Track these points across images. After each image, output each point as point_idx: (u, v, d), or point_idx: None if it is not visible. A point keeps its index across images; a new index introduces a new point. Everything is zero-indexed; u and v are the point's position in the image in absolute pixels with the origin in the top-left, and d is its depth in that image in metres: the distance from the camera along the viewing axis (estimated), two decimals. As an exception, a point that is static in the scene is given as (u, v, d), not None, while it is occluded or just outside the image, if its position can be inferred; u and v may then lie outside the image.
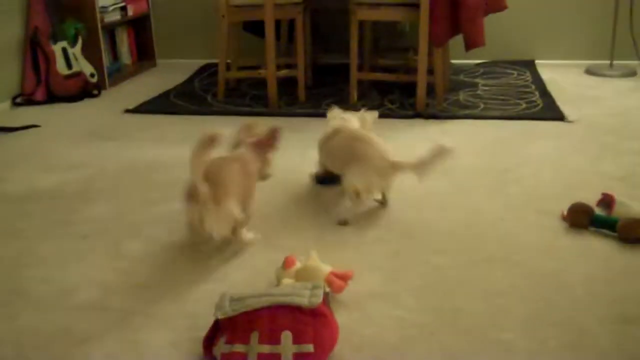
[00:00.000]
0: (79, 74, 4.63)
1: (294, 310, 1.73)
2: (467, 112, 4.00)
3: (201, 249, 2.39)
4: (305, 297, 1.76)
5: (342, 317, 1.90)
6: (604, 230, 2.43)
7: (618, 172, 3.00)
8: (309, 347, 1.68)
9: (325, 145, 2.81)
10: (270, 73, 4.19)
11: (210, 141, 2.21)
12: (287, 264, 2.09)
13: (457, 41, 4.13)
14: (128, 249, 2.42)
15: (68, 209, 2.78)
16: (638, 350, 1.79)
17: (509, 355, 1.76)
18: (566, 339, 1.83)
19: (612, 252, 2.30)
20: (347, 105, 4.16)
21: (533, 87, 4.54)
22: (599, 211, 2.52)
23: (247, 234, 2.40)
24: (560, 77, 4.85)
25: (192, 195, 2.24)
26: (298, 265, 2.10)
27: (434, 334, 1.86)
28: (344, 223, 2.56)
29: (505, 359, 1.75)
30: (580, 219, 2.46)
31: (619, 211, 2.47)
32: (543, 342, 1.82)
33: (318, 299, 1.74)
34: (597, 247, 2.34)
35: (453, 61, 5.09)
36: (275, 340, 1.69)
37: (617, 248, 2.33)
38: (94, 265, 2.31)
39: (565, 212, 2.53)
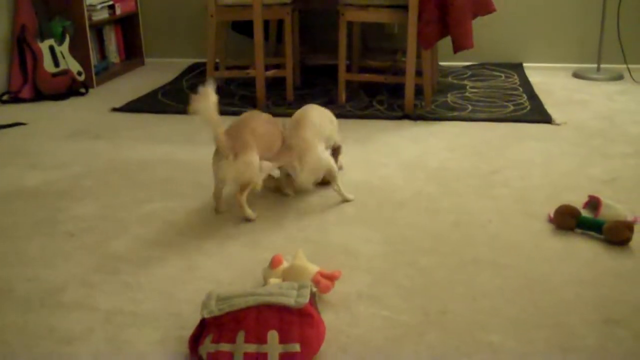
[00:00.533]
0: (66, 72, 4.60)
1: (281, 310, 1.72)
2: (455, 114, 4.01)
3: (187, 246, 2.39)
4: (292, 297, 1.75)
5: (329, 317, 1.90)
6: (591, 233, 2.44)
7: (605, 175, 3.01)
8: (296, 347, 1.67)
9: None
10: (259, 73, 4.18)
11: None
12: (274, 263, 2.09)
13: (446, 43, 4.15)
14: (115, 248, 2.41)
15: (54, 207, 2.76)
16: (624, 351, 1.80)
17: (496, 357, 1.77)
18: (554, 341, 1.83)
19: (599, 254, 2.31)
20: (335, 106, 4.17)
21: (521, 89, 4.56)
22: (585, 213, 2.53)
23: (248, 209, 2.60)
24: (548, 80, 4.87)
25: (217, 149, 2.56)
26: (285, 264, 2.09)
27: (422, 335, 1.86)
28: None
29: (492, 360, 1.76)
30: (567, 221, 2.47)
31: (605, 213, 2.49)
32: (531, 343, 1.82)
33: (305, 299, 1.74)
34: (584, 249, 2.35)
35: (441, 63, 5.10)
36: (261, 339, 1.68)
37: (604, 250, 2.33)
38: (81, 264, 2.30)
39: (552, 215, 2.54)
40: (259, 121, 2.69)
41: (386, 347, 1.81)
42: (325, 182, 2.82)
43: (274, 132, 2.74)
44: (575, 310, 1.98)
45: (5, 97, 4.43)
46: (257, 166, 2.58)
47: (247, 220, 2.60)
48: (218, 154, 2.57)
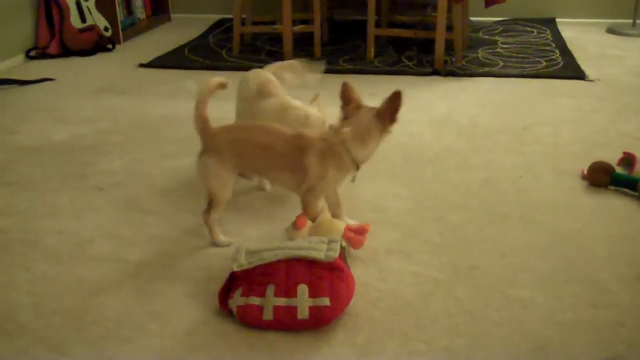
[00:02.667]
0: (92, 27, 4.58)
1: (311, 263, 1.71)
2: (486, 69, 3.94)
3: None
4: (322, 250, 1.74)
5: (358, 272, 1.89)
6: (625, 189, 2.39)
7: (639, 131, 2.95)
8: (325, 301, 1.66)
9: None
10: (286, 28, 4.13)
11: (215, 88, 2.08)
12: (298, 224, 2.01)
13: (477, -3, 4.06)
14: (143, 202, 2.41)
15: (82, 162, 2.77)
16: (658, 309, 1.77)
17: (526, 312, 1.75)
18: (585, 297, 1.81)
19: (633, 211, 2.27)
20: (364, 62, 4.12)
21: (553, 45, 4.46)
22: (619, 170, 2.48)
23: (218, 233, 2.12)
24: (581, 35, 4.76)
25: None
26: (311, 223, 2.05)
27: (451, 291, 1.85)
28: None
29: (522, 315, 1.74)
30: (601, 177, 2.43)
31: (640, 170, 2.44)
32: (560, 299, 1.80)
33: (335, 253, 1.73)
34: (618, 206, 2.30)
35: (472, 18, 5.00)
36: (291, 293, 1.68)
37: (637, 207, 2.29)
38: (109, 217, 2.31)
39: (585, 171, 2.49)
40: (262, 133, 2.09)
41: (416, 302, 1.80)
42: None
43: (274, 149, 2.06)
44: (607, 266, 1.95)
45: (32, 53, 4.43)
46: (216, 175, 2.07)
47: (218, 245, 2.10)
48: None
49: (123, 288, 1.89)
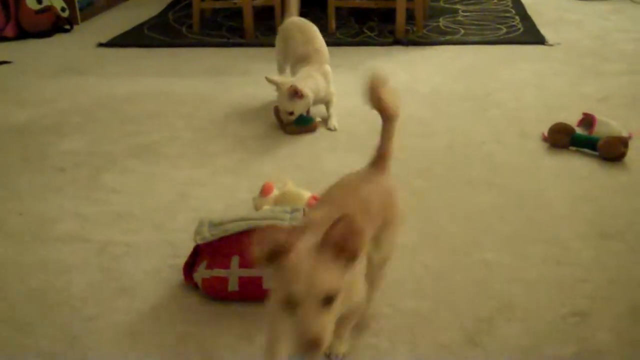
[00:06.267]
0: (49, 8, 4.48)
1: (275, 233, 1.71)
2: (447, 38, 3.95)
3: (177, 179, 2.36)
4: (285, 220, 1.73)
5: (323, 241, 1.89)
6: (585, 150, 2.42)
7: (598, 93, 2.98)
8: (291, 270, 1.66)
9: None
10: (246, 3, 4.09)
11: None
12: (264, 191, 2.05)
13: (436, -35, 4.05)
14: (105, 181, 2.38)
15: (43, 142, 2.72)
16: (618, 264, 1.80)
17: (492, 273, 1.77)
18: (548, 255, 1.83)
19: (593, 170, 2.30)
20: (325, 34, 4.09)
21: (513, 11, 4.48)
22: (580, 131, 2.50)
23: None
24: (541, 0, 4.78)
25: None
26: (276, 192, 2.07)
27: (416, 255, 1.86)
28: None
29: (488, 276, 1.76)
30: (561, 138, 2.45)
31: (600, 130, 2.46)
32: (526, 258, 1.82)
33: (298, 222, 1.72)
34: (578, 166, 2.33)
35: (432, -12, 4.99)
36: (256, 263, 1.67)
37: (598, 166, 2.32)
38: (72, 197, 2.28)
39: (546, 133, 2.51)
40: None
41: (381, 268, 1.80)
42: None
43: None
44: (570, 225, 1.98)
45: (-12, 36, 4.34)
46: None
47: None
48: None
49: (88, 267, 1.87)
